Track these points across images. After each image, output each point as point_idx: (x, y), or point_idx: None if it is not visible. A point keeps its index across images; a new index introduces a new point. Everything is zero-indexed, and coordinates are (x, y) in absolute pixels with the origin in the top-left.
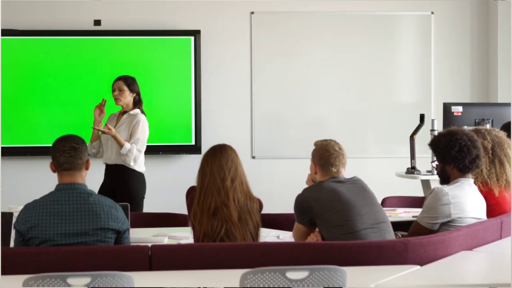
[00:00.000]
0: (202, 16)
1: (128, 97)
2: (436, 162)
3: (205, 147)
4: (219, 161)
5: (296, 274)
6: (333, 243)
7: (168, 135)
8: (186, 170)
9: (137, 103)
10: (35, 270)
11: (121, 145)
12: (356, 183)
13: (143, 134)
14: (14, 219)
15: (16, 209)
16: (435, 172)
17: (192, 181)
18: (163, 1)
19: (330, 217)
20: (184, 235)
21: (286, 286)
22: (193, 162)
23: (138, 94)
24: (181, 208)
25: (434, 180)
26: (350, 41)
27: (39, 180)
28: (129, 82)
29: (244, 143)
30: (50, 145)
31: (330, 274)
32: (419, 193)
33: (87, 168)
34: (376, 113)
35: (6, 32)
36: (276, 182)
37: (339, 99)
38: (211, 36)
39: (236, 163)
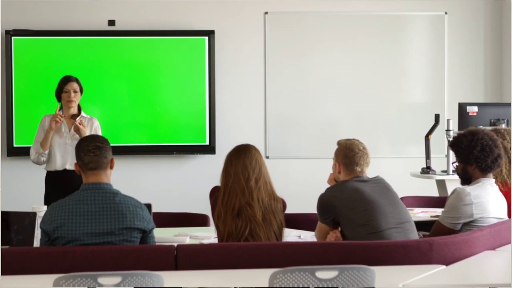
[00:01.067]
0: (216, 16)
1: (79, 99)
2: (456, 163)
3: (219, 147)
4: (243, 161)
5: (326, 273)
6: (358, 242)
7: (182, 135)
8: (200, 170)
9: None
10: (62, 270)
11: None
12: (379, 183)
13: None
14: (37, 219)
15: (39, 209)
16: (450, 171)
17: (206, 181)
18: (177, 1)
19: (354, 216)
20: (205, 235)
21: (316, 285)
22: (207, 162)
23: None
24: (195, 208)
25: (450, 180)
26: (363, 41)
27: None
28: (80, 83)
29: (258, 143)
30: None
31: (360, 274)
32: (432, 193)
33: (111, 167)
34: (388, 113)
35: (21, 32)
36: (290, 182)
37: (352, 99)
38: (225, 36)
39: (260, 163)
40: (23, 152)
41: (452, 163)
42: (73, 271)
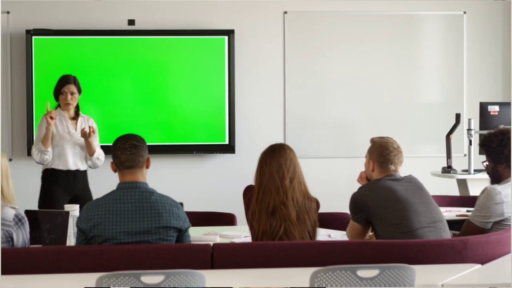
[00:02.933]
0: (236, 16)
1: (77, 100)
2: (486, 162)
3: (238, 147)
4: (277, 160)
5: (367, 272)
6: (393, 241)
7: (202, 134)
8: (220, 170)
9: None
10: (98, 269)
11: (93, 150)
12: (412, 182)
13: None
14: (70, 218)
15: (72, 208)
16: (472, 171)
17: (226, 180)
18: (197, 1)
19: (387, 215)
20: (235, 234)
21: (357, 284)
22: (226, 162)
23: (81, 93)
24: (216, 206)
25: (471, 180)
26: (381, 41)
27: None
28: (78, 84)
29: (277, 142)
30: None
31: (400, 273)
32: (450, 192)
33: (147, 167)
34: (405, 113)
35: (41, 32)
36: (310, 182)
37: (369, 98)
38: (244, 36)
39: (295, 163)
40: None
41: (482, 162)
42: (110, 270)
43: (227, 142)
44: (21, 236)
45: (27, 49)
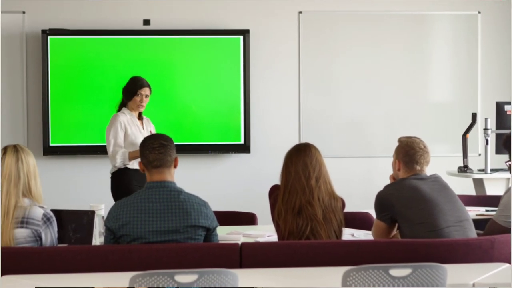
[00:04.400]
0: (251, 16)
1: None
2: (510, 162)
3: (254, 146)
4: (303, 160)
5: (399, 271)
6: (420, 241)
7: (217, 134)
8: (235, 169)
9: None
10: (127, 268)
11: None
12: (437, 181)
13: None
14: (96, 218)
15: (97, 207)
16: (488, 170)
17: (241, 180)
18: (212, 1)
19: (412, 214)
20: (259, 233)
21: (390, 283)
22: (242, 161)
23: None
24: (232, 206)
25: (488, 179)
26: (396, 40)
27: (90, 178)
28: (150, 87)
29: (292, 142)
30: (100, 144)
31: (432, 272)
32: (465, 191)
33: (175, 166)
34: (418, 112)
35: (57, 32)
36: None
37: (385, 98)
38: (259, 36)
39: (320, 163)
40: (59, 151)
41: (506, 162)
42: (139, 270)
43: (242, 141)
44: (50, 236)
45: (43, 49)
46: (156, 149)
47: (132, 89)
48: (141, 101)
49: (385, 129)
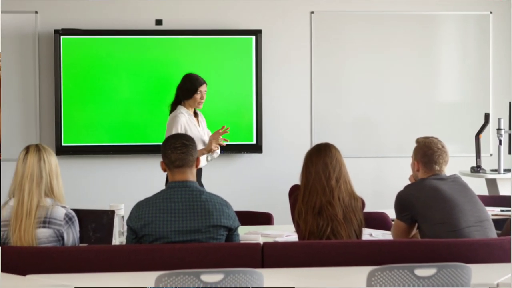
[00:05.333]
0: (263, 16)
1: None
2: None
3: (266, 146)
4: (323, 160)
5: (424, 271)
6: (441, 241)
7: (229, 134)
8: (248, 169)
9: None
10: (150, 267)
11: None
12: (457, 181)
13: None
14: (115, 217)
15: (117, 207)
16: (502, 170)
17: (253, 180)
18: (224, 1)
19: (432, 214)
20: (277, 233)
21: (415, 283)
22: (254, 161)
23: None
24: (244, 206)
25: (501, 179)
26: (407, 40)
27: (101, 178)
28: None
29: (304, 142)
30: (113, 143)
31: (457, 272)
32: (479, 191)
33: (196, 166)
34: (432, 112)
35: (69, 32)
36: None
37: (398, 98)
38: (271, 36)
39: (341, 163)
40: (72, 151)
41: None
42: (161, 269)
43: (254, 141)
44: (72, 235)
45: (56, 49)
46: (178, 149)
47: (192, 87)
48: (201, 98)
49: (397, 129)
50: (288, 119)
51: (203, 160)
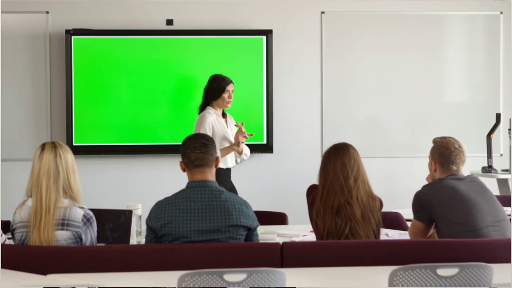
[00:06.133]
0: (273, 16)
1: None
2: None
3: (276, 146)
4: (341, 160)
5: (447, 271)
6: (459, 240)
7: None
8: (258, 169)
9: None
10: (169, 267)
11: (241, 149)
12: (475, 181)
13: None
14: (133, 217)
15: (135, 207)
16: None
17: (264, 180)
18: (235, 1)
19: (450, 214)
20: (293, 233)
21: (437, 283)
22: (265, 161)
23: None
24: (255, 206)
25: None
26: (418, 41)
27: (111, 178)
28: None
29: (315, 142)
30: (123, 143)
31: (479, 271)
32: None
33: (216, 166)
34: (441, 112)
35: (80, 32)
36: None
37: (408, 99)
38: (282, 36)
39: (358, 163)
40: (83, 151)
41: None
42: (181, 269)
43: (265, 141)
44: (90, 236)
45: (67, 49)
46: (198, 149)
47: (220, 87)
48: (229, 97)
49: (407, 130)
50: (298, 119)
51: (231, 161)
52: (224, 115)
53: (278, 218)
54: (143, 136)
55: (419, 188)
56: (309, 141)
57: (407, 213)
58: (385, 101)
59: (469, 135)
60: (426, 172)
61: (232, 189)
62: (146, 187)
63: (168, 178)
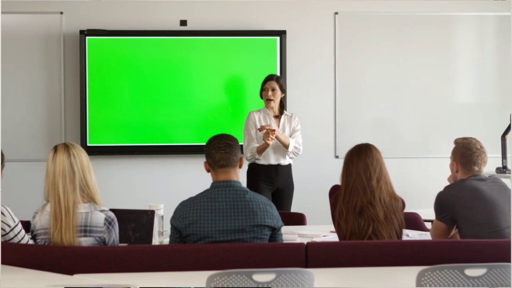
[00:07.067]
0: (287, 17)
1: (279, 98)
2: None
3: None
4: (364, 161)
5: (474, 271)
6: (486, 241)
7: None
8: None
9: (283, 102)
10: (194, 267)
11: (286, 144)
12: (496, 182)
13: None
14: (155, 217)
15: (157, 207)
16: None
17: None
18: (249, 2)
19: (473, 215)
20: (313, 233)
21: (464, 283)
22: None
23: (285, 93)
24: None
25: None
26: (431, 41)
27: (125, 178)
28: (281, 82)
29: (328, 142)
30: (137, 144)
31: (507, 272)
32: None
33: (240, 166)
34: (455, 113)
35: (94, 32)
36: None
37: (422, 99)
38: (296, 36)
39: (381, 163)
40: (97, 151)
41: None
42: (206, 269)
43: None
44: (112, 237)
45: (81, 50)
46: (222, 149)
47: (261, 86)
48: (269, 94)
49: (419, 130)
50: (312, 119)
51: (275, 159)
52: (280, 114)
53: (296, 218)
54: (157, 137)
55: (432, 188)
56: (323, 141)
57: (423, 213)
58: (398, 101)
59: (480, 135)
60: (439, 172)
61: (290, 184)
62: (158, 187)
63: (181, 178)
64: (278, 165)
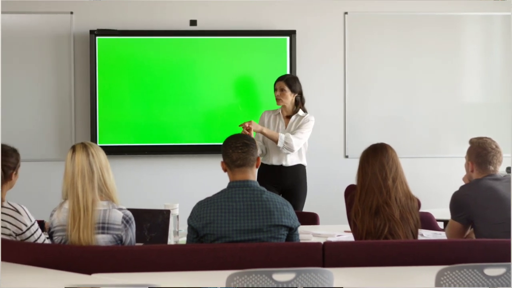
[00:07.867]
0: (297, 17)
1: (289, 98)
2: None
3: None
4: (380, 160)
5: (494, 271)
6: (500, 240)
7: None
8: None
9: (298, 103)
10: (211, 267)
11: (275, 139)
12: None
13: (307, 129)
14: (171, 217)
15: (172, 206)
16: None
17: None
18: (259, 1)
19: (489, 215)
20: (328, 233)
21: (484, 283)
22: None
23: (300, 93)
24: None
25: None
26: (441, 41)
27: (135, 178)
28: (290, 82)
29: (337, 142)
30: (147, 144)
31: None
32: None
33: (257, 166)
34: (465, 113)
35: (105, 32)
36: None
37: (432, 99)
38: (306, 36)
39: (397, 163)
40: (107, 151)
41: None
42: (224, 269)
43: None
44: (129, 236)
45: (91, 50)
46: (239, 148)
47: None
48: (278, 95)
49: (429, 130)
50: (322, 119)
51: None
52: (292, 116)
53: (310, 218)
54: (166, 137)
55: (442, 188)
56: (332, 141)
57: (434, 213)
58: (407, 101)
59: (490, 135)
60: (449, 172)
61: (298, 186)
62: (167, 187)
63: (190, 178)
64: (281, 166)
